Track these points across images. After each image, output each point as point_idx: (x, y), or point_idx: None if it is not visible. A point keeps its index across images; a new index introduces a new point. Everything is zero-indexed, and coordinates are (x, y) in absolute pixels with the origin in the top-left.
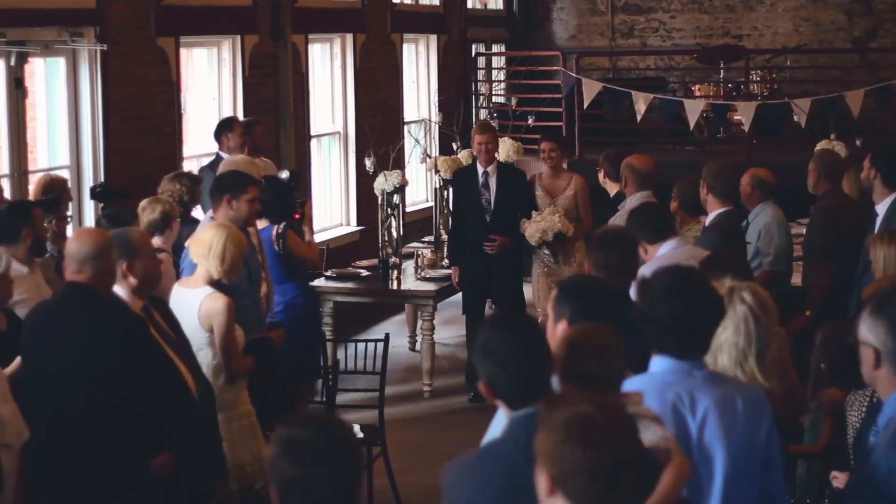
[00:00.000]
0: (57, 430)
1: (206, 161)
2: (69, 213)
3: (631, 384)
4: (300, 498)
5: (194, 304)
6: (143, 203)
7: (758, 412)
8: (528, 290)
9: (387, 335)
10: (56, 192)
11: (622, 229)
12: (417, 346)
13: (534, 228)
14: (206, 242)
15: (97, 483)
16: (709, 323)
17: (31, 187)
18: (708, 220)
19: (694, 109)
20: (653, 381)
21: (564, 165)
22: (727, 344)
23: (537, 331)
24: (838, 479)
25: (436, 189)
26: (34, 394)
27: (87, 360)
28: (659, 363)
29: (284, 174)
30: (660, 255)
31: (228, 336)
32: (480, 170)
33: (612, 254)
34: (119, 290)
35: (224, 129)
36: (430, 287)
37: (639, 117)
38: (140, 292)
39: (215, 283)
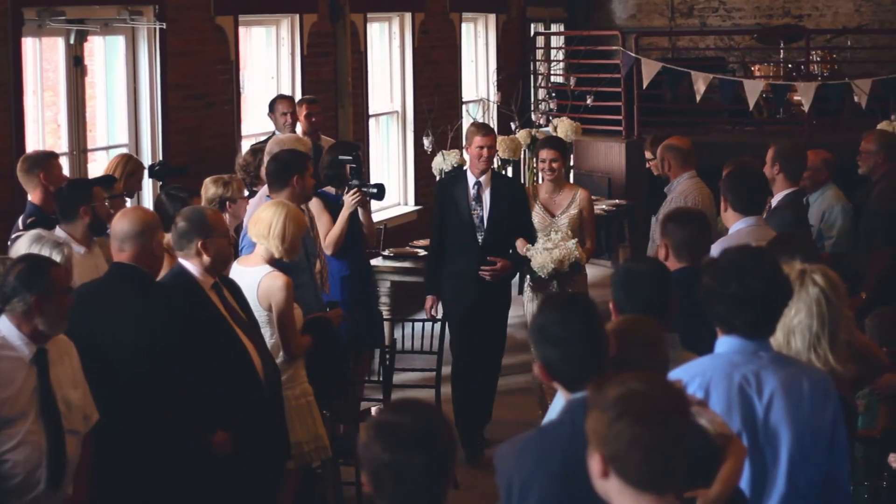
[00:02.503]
0: (111, 411)
1: (264, 139)
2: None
3: (697, 365)
4: (393, 484)
5: (253, 283)
6: (207, 181)
7: (823, 394)
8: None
9: (444, 315)
10: (130, 171)
11: (697, 209)
12: None
13: (546, 258)
14: (265, 221)
15: (156, 461)
16: (778, 302)
17: (108, 164)
18: (775, 200)
19: (753, 90)
20: (719, 362)
21: (570, 179)
22: (800, 327)
23: (595, 314)
24: None
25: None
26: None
27: (133, 339)
28: (726, 343)
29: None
30: (735, 231)
31: (287, 315)
32: (472, 180)
33: (694, 232)
34: (191, 266)
35: (269, 109)
36: None
37: (698, 97)
38: (212, 270)
39: (274, 262)
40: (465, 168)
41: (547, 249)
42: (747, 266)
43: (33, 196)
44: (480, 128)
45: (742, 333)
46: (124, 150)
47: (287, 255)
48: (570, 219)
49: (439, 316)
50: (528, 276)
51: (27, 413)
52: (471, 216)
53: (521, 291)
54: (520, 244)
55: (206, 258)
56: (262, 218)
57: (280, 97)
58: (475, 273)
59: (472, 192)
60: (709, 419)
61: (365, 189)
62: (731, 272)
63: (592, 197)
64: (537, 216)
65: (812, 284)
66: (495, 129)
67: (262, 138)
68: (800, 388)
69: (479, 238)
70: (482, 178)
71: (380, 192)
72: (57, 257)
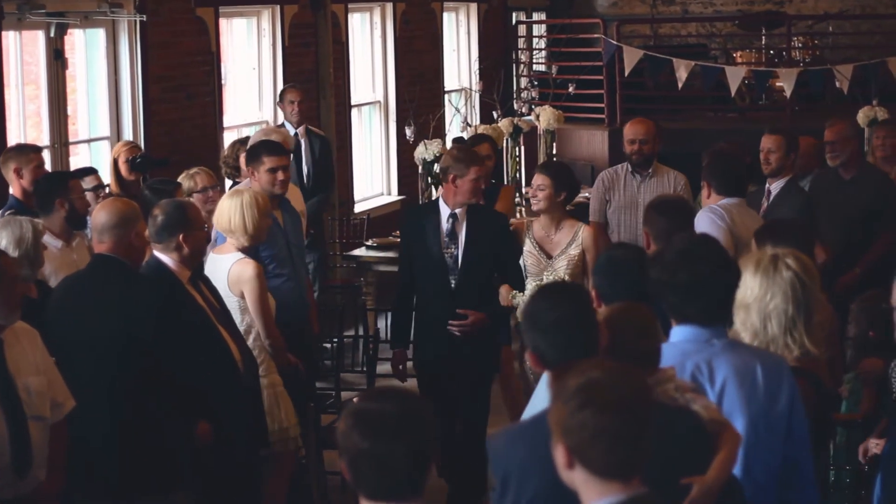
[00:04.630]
0: (89, 400)
1: (245, 131)
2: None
3: None
4: (371, 471)
5: (224, 270)
6: (182, 175)
7: (777, 380)
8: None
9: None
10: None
11: (679, 197)
12: None
13: None
14: (224, 215)
15: (135, 452)
16: (728, 288)
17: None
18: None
19: (735, 76)
20: (672, 352)
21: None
22: (776, 311)
23: (584, 300)
24: (878, 447)
25: None
26: (60, 364)
27: (113, 330)
28: (679, 332)
29: None
30: (724, 202)
31: (261, 301)
32: (445, 212)
33: (674, 220)
34: (167, 259)
35: (279, 99)
36: None
37: (680, 84)
38: (188, 263)
39: (246, 250)
40: (437, 198)
41: None
42: (694, 254)
43: (14, 189)
44: (471, 156)
45: (695, 322)
46: (105, 143)
47: (254, 240)
48: (569, 261)
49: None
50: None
51: None
52: (442, 255)
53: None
54: (503, 291)
55: (185, 251)
56: (222, 210)
57: (289, 87)
58: (446, 325)
59: (446, 226)
60: (702, 405)
61: None
62: (678, 261)
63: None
64: (531, 257)
65: (785, 269)
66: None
67: (245, 131)
68: (753, 375)
69: (452, 282)
70: (458, 210)
71: None
72: (25, 232)
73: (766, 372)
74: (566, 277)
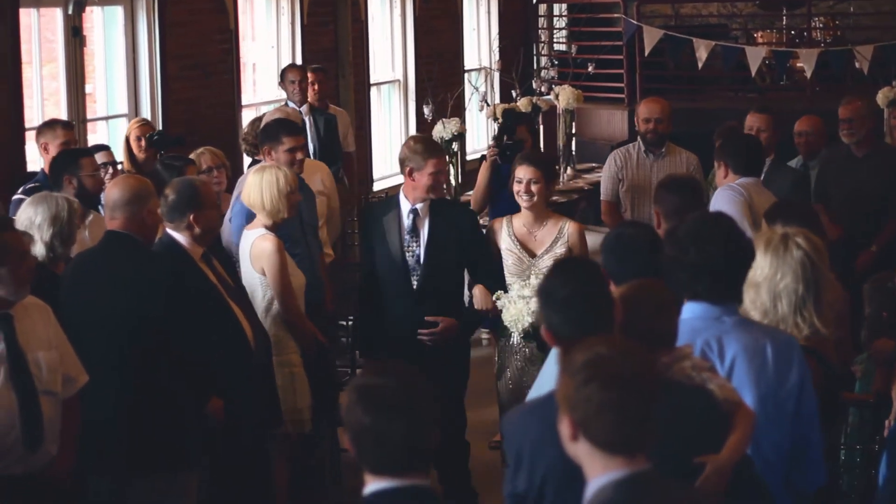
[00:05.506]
0: (99, 376)
1: (264, 109)
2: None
3: None
4: (374, 447)
5: (247, 247)
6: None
7: (787, 358)
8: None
9: None
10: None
11: (690, 176)
12: None
13: (522, 309)
14: (247, 191)
15: (145, 429)
16: (739, 267)
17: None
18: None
19: (756, 56)
20: (682, 328)
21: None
22: (786, 290)
23: (598, 277)
24: None
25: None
26: (72, 341)
27: (124, 306)
28: (690, 309)
29: None
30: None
31: (280, 278)
32: (406, 206)
33: (685, 199)
34: (180, 237)
35: (280, 78)
36: None
37: (700, 64)
38: (201, 241)
39: (270, 227)
40: (398, 194)
41: (524, 298)
42: (705, 233)
43: (44, 164)
44: (430, 147)
45: (705, 299)
46: (123, 121)
47: (272, 217)
48: (555, 260)
49: None
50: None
51: None
52: (403, 254)
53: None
54: (478, 293)
55: (196, 230)
56: (247, 186)
57: (289, 66)
58: (411, 330)
59: (407, 222)
60: (717, 385)
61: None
62: (689, 240)
63: (595, 167)
64: (512, 256)
65: (796, 248)
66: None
67: (264, 109)
68: (763, 353)
69: (414, 282)
70: (420, 205)
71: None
72: (60, 210)
73: (777, 350)
74: None
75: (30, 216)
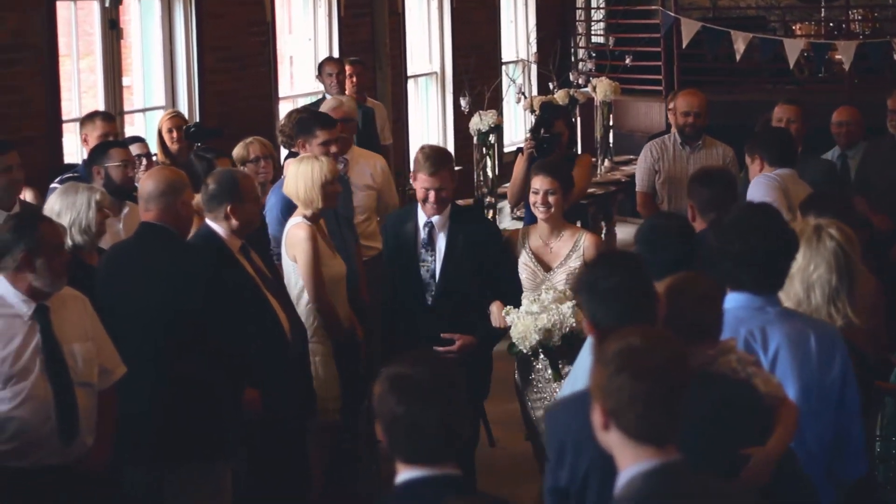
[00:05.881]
0: (134, 368)
1: (301, 102)
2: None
3: None
4: (406, 436)
5: (285, 234)
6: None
7: (831, 349)
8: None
9: None
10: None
11: (723, 168)
12: None
13: (529, 325)
14: (286, 185)
15: (180, 420)
16: (784, 257)
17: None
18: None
19: (794, 49)
20: (726, 318)
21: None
22: (820, 281)
23: (640, 269)
24: None
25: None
26: (109, 333)
27: (160, 298)
28: (733, 299)
29: None
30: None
31: (310, 266)
32: (422, 218)
33: (718, 191)
34: (219, 228)
35: (318, 71)
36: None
37: (738, 57)
38: (239, 233)
39: (308, 216)
40: (416, 204)
41: (531, 314)
42: (751, 223)
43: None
44: (429, 159)
45: (749, 289)
46: (160, 113)
47: (307, 207)
48: (569, 274)
49: None
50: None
51: (30, 369)
52: (417, 268)
53: None
54: (495, 310)
55: (234, 222)
56: (287, 176)
57: (327, 59)
58: (426, 347)
59: (423, 234)
60: (762, 379)
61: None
62: (735, 230)
63: (632, 159)
64: (526, 270)
65: (829, 239)
66: (450, 161)
67: (300, 100)
68: (806, 344)
69: (429, 298)
70: (436, 217)
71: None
72: (80, 201)
73: (820, 341)
74: (566, 292)
75: (52, 206)
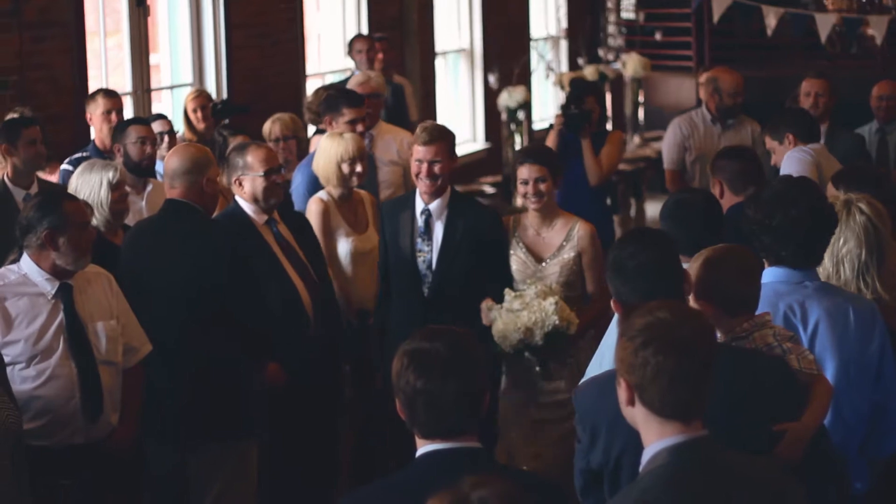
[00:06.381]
0: (158, 345)
1: (329, 79)
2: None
3: None
4: (425, 409)
5: None
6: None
7: (869, 324)
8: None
9: None
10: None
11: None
12: None
13: (508, 324)
14: (313, 162)
15: (205, 398)
16: (823, 231)
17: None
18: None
19: (826, 23)
20: (765, 292)
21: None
22: (849, 256)
23: (667, 246)
24: None
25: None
26: (134, 310)
27: (184, 275)
28: (772, 273)
29: None
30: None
31: (321, 239)
32: (419, 206)
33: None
34: (244, 204)
35: (348, 48)
36: None
37: (769, 32)
38: (262, 208)
39: (334, 194)
40: (415, 191)
41: (512, 311)
42: (791, 196)
43: (94, 134)
44: (425, 130)
45: (788, 264)
46: (188, 90)
47: (327, 183)
48: (562, 266)
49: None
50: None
51: (54, 348)
52: (413, 258)
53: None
54: (485, 307)
55: (245, 193)
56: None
57: (357, 36)
58: None
59: (419, 222)
60: (798, 355)
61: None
62: (775, 203)
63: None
64: (517, 262)
65: (859, 213)
66: (449, 135)
67: (328, 77)
68: (845, 318)
69: (425, 290)
70: (433, 205)
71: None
72: (93, 179)
73: (858, 315)
74: (553, 286)
75: (72, 184)
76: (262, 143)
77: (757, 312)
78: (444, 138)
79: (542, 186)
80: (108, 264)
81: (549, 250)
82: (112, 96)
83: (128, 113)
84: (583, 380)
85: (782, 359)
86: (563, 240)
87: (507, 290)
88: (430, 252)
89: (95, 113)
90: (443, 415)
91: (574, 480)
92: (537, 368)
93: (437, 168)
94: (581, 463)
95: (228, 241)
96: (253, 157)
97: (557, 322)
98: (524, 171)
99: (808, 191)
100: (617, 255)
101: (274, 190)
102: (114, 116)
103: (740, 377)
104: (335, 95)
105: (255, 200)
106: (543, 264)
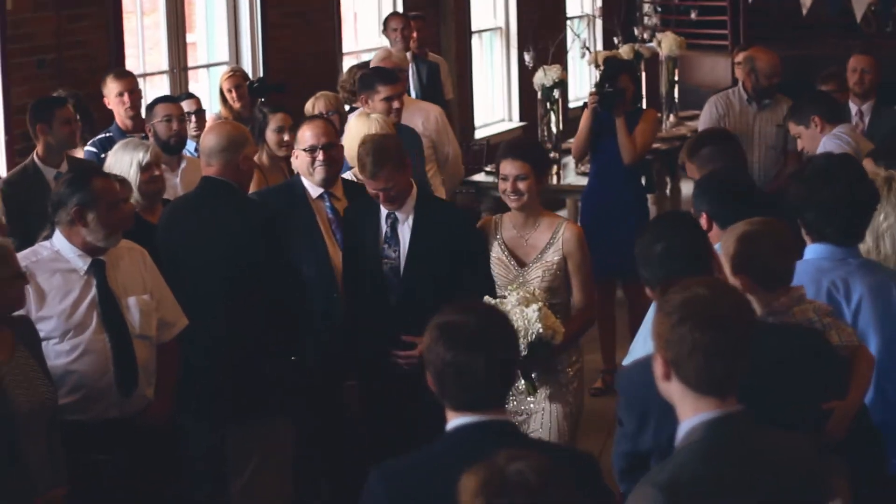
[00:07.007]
0: (193, 322)
1: (365, 57)
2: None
3: None
4: (455, 382)
5: None
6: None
7: None
8: None
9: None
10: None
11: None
12: None
13: None
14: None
15: (240, 374)
16: (866, 208)
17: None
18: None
19: (861, 2)
20: (808, 268)
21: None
22: (890, 231)
23: (694, 230)
24: None
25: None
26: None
27: (219, 252)
28: (814, 250)
29: None
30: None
31: None
32: (385, 210)
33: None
34: (303, 177)
35: (383, 27)
36: None
37: (804, 10)
38: (325, 183)
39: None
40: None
41: None
42: (836, 173)
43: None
44: (370, 154)
45: (831, 241)
46: (224, 69)
47: (352, 163)
48: (545, 270)
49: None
50: None
51: (87, 324)
52: (380, 264)
53: None
54: None
55: (298, 166)
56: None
57: (392, 15)
58: (386, 353)
59: (385, 227)
60: (838, 330)
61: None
62: (820, 180)
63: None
64: (499, 265)
65: None
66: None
67: (364, 56)
68: (888, 294)
69: (392, 299)
70: (400, 212)
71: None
72: (139, 155)
73: None
74: (536, 292)
75: (108, 162)
76: (318, 117)
77: (799, 289)
78: (389, 161)
79: (522, 185)
80: (143, 242)
81: (532, 253)
82: (122, 77)
83: (164, 91)
84: (627, 358)
85: (822, 333)
86: (548, 242)
87: (486, 298)
88: (396, 258)
89: (110, 96)
90: (471, 387)
91: (613, 463)
92: (521, 383)
93: (393, 192)
94: (625, 446)
95: (264, 220)
96: (300, 133)
97: (542, 330)
98: (505, 167)
99: (850, 167)
100: (642, 242)
101: (317, 165)
102: (127, 98)
103: (781, 353)
104: (370, 73)
105: (306, 174)
106: (525, 268)
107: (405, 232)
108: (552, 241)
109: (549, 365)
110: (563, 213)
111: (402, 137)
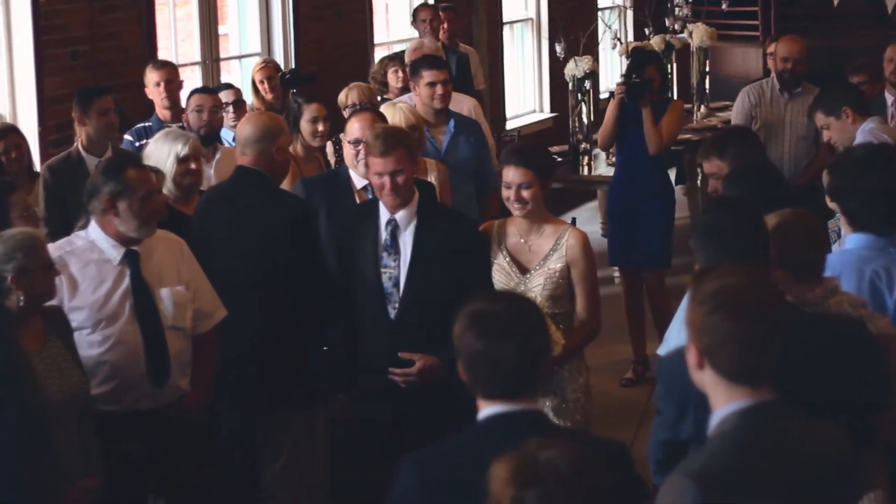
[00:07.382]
0: (232, 312)
1: (396, 48)
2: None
3: (828, 260)
4: (486, 371)
5: None
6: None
7: None
8: None
9: (573, 219)
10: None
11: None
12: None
13: None
14: None
15: (275, 364)
16: None
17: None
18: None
19: None
20: (850, 258)
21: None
22: None
23: (755, 213)
24: None
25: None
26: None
27: (252, 242)
28: (856, 240)
29: None
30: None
31: None
32: (384, 216)
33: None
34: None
35: (412, 18)
36: None
37: (836, 2)
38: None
39: None
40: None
41: None
42: (877, 162)
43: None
44: (378, 138)
45: (873, 230)
46: (256, 60)
47: None
48: (547, 277)
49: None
50: None
51: (119, 314)
52: (378, 276)
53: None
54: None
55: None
56: None
57: (421, 6)
58: (385, 367)
59: (385, 234)
60: (872, 320)
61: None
62: (861, 169)
63: (729, 105)
64: (501, 273)
65: None
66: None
67: (395, 47)
68: None
69: (392, 312)
70: (400, 214)
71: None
72: (178, 147)
73: None
74: (540, 300)
75: (147, 152)
76: (367, 110)
77: (843, 279)
78: (400, 144)
79: (526, 193)
80: (177, 233)
81: (534, 259)
82: (161, 67)
83: (196, 82)
84: (662, 347)
85: (861, 321)
86: (551, 248)
87: None
88: (396, 268)
89: (149, 85)
90: (502, 376)
91: (649, 453)
92: None
93: (400, 179)
94: (665, 435)
95: (298, 211)
96: (348, 125)
97: None
98: (508, 174)
99: (891, 156)
100: (703, 221)
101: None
102: (163, 88)
103: (820, 342)
104: (417, 60)
105: (352, 165)
106: (527, 275)
107: (407, 239)
108: (555, 248)
109: (550, 375)
110: (594, 203)
111: (464, 130)
